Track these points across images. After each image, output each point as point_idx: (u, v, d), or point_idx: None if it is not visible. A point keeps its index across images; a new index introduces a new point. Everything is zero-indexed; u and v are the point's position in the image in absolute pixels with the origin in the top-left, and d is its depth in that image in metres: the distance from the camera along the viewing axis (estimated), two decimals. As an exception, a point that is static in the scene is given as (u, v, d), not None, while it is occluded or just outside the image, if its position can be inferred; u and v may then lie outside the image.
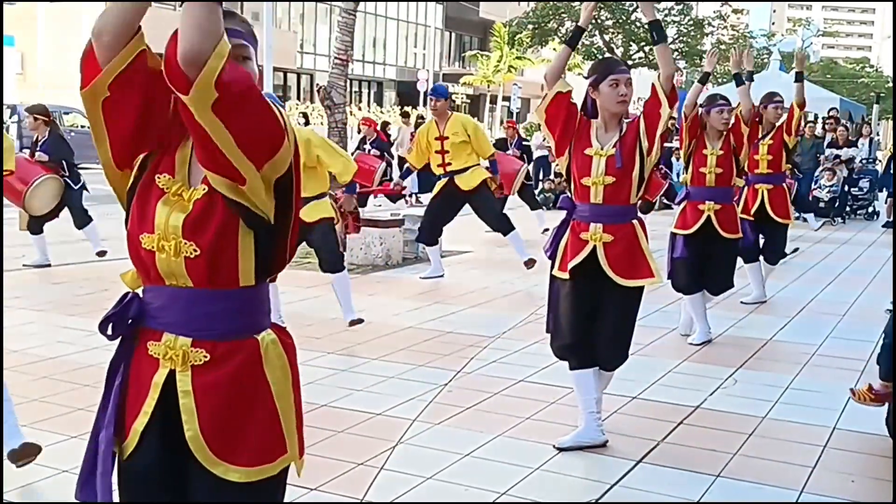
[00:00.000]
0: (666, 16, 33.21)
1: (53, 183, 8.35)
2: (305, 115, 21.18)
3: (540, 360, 5.43)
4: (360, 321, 6.32)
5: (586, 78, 4.15)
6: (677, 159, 13.46)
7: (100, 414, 2.05)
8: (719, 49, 33.11)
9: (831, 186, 14.68)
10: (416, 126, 17.62)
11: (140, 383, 2.01)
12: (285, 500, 2.15)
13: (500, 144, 14.07)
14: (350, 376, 5.27)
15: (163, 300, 1.98)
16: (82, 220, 8.78)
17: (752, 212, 7.53)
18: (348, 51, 10.76)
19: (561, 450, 4.14)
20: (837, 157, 15.26)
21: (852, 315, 7.34)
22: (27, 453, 3.72)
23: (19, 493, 3.61)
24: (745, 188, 7.52)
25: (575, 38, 4.35)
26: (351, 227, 6.54)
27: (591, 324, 4.14)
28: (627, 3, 31.79)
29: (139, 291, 2.03)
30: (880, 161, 18.73)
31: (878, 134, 28.66)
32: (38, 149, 8.52)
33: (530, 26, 33.77)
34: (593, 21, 30.34)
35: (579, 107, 4.13)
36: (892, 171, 14.57)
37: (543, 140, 15.09)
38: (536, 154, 16.98)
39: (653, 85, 4.07)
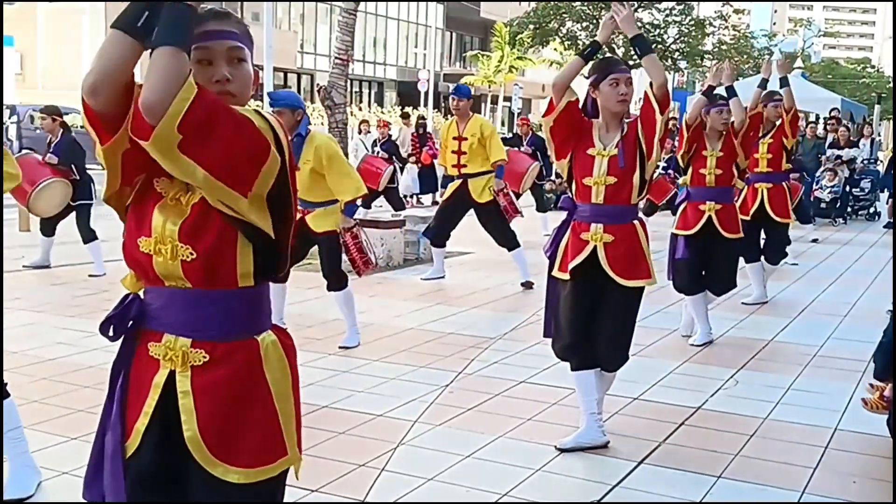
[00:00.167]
0: (667, 16, 33.20)
1: (60, 186, 8.08)
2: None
3: (541, 361, 5.43)
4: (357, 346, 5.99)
5: (587, 77, 4.15)
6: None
7: (105, 415, 2.05)
8: (721, 53, 33.16)
9: (832, 187, 14.66)
10: (417, 126, 17.63)
11: (141, 384, 2.01)
12: (286, 501, 2.15)
13: (515, 141, 14.06)
14: (351, 377, 5.27)
15: (162, 301, 1.99)
16: (87, 235, 8.42)
17: (752, 212, 7.56)
18: (349, 51, 10.75)
19: (562, 451, 4.13)
20: (839, 157, 15.23)
21: (853, 316, 7.33)
22: None
23: (19, 495, 3.59)
24: (745, 188, 7.53)
25: (591, 53, 4.34)
26: (352, 247, 6.01)
27: (592, 324, 4.14)
28: (629, 5, 31.70)
29: (140, 293, 2.03)
30: (882, 161, 18.71)
31: (879, 134, 28.70)
32: (49, 150, 8.26)
33: (531, 26, 33.69)
34: (593, 21, 30.38)
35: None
36: (893, 172, 14.56)
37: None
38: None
39: (645, 93, 4.06)
